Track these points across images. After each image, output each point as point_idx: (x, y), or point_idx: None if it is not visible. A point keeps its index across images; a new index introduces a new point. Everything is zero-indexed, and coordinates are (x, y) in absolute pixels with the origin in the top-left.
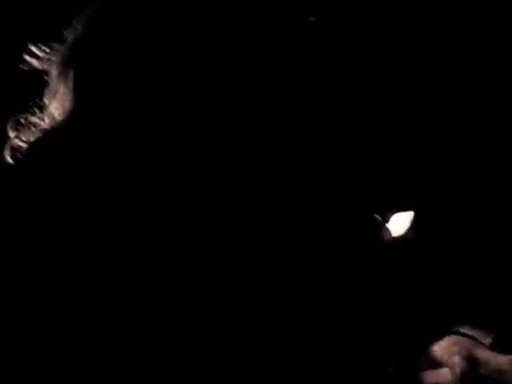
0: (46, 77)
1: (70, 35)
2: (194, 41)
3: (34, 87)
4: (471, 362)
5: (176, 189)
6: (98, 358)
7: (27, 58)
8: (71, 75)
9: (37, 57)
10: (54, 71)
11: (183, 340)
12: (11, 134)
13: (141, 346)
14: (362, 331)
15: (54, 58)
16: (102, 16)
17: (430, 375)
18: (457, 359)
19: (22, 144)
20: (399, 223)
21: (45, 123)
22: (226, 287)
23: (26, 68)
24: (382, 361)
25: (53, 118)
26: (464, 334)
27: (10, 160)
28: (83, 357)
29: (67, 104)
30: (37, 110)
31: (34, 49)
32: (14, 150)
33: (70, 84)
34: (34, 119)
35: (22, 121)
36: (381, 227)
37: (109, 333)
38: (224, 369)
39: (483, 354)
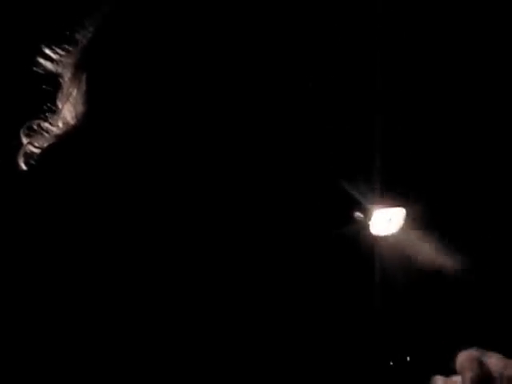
0: (60, 79)
1: (82, 37)
2: (205, 42)
3: (47, 91)
4: (482, 368)
5: (184, 190)
6: (98, 359)
7: (41, 60)
8: (84, 78)
9: (51, 59)
10: (67, 74)
11: (182, 341)
12: (24, 140)
13: (140, 346)
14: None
15: (67, 61)
16: (115, 18)
17: (440, 381)
18: (467, 364)
19: (35, 150)
20: (386, 220)
21: (58, 128)
22: (223, 288)
23: (40, 71)
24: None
25: (66, 122)
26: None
27: (23, 166)
28: (83, 357)
29: (80, 107)
30: (49, 115)
31: (47, 51)
32: (28, 156)
33: (83, 87)
34: (46, 125)
35: (35, 126)
36: (362, 225)
37: (108, 333)
38: (223, 369)
39: (496, 361)
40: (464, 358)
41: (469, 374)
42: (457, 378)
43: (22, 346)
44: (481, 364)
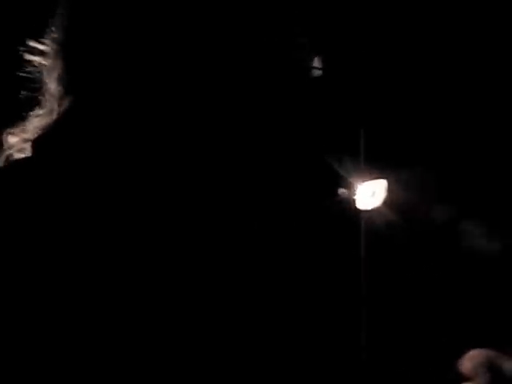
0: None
1: (57, 26)
2: (186, 29)
3: (27, 85)
4: (496, 374)
5: (173, 185)
6: (98, 359)
7: (20, 54)
8: (63, 69)
9: (29, 52)
10: (45, 66)
11: (182, 341)
12: (7, 137)
13: (140, 347)
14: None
15: (44, 52)
16: (89, 6)
17: None
18: (480, 371)
19: (18, 145)
20: (369, 193)
21: (40, 122)
22: (222, 289)
23: (19, 65)
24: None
25: (48, 116)
26: (494, 347)
27: (5, 163)
28: (83, 358)
29: (61, 99)
30: (31, 109)
31: (27, 44)
32: (11, 153)
33: (62, 78)
34: (28, 119)
35: (18, 121)
36: (346, 200)
37: (108, 334)
38: (223, 369)
39: (510, 365)
40: (476, 361)
41: (482, 381)
42: None
43: (22, 346)
44: (494, 368)
